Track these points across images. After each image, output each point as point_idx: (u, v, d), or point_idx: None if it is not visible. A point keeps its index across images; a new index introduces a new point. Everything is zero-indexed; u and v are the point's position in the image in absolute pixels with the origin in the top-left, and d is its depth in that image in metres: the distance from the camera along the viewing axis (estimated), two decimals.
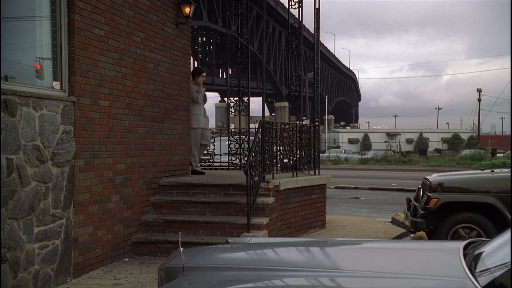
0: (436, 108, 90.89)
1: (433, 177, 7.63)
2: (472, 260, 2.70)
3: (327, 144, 57.61)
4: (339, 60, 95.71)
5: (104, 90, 6.42)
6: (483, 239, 3.39)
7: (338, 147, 60.64)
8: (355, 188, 19.09)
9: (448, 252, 2.95)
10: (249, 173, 6.77)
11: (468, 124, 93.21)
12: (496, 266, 2.49)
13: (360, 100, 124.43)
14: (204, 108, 9.19)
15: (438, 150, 55.19)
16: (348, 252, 3.22)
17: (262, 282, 2.66)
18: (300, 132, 9.09)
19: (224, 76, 54.65)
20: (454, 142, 60.79)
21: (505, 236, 2.80)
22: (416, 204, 7.53)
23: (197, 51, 57.95)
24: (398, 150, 54.87)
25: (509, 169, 7.11)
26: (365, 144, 64.74)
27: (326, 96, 74.48)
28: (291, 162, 8.69)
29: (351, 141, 66.99)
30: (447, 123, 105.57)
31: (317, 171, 9.48)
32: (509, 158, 30.13)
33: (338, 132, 72.06)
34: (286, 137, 8.65)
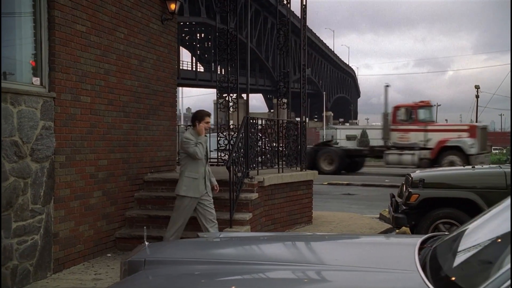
0: (435, 105, 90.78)
1: (416, 173, 7.66)
2: (427, 253, 2.74)
3: (325, 140, 57.54)
4: (338, 57, 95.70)
5: (86, 86, 6.44)
6: (442, 233, 3.43)
7: (336, 143, 60.52)
8: (347, 184, 19.10)
9: (405, 246, 3.00)
10: (231, 169, 6.80)
11: (467, 121, 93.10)
12: (446, 259, 2.53)
13: (359, 96, 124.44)
14: (207, 169, 6.32)
15: None
16: (309, 246, 3.25)
17: (217, 275, 2.70)
18: (287, 128, 9.11)
19: (223, 72, 54.56)
20: None
21: (458, 231, 2.84)
22: (399, 200, 7.56)
23: (195, 47, 57.94)
24: None
25: (489, 165, 7.14)
26: (363, 141, 64.58)
27: (325, 92, 74.38)
28: (276, 158, 8.71)
29: (348, 138, 66.84)
30: (446, 120, 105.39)
31: (303, 166, 9.51)
32: (506, 155, 30.16)
33: (336, 129, 71.99)
34: (271, 133, 8.68)
